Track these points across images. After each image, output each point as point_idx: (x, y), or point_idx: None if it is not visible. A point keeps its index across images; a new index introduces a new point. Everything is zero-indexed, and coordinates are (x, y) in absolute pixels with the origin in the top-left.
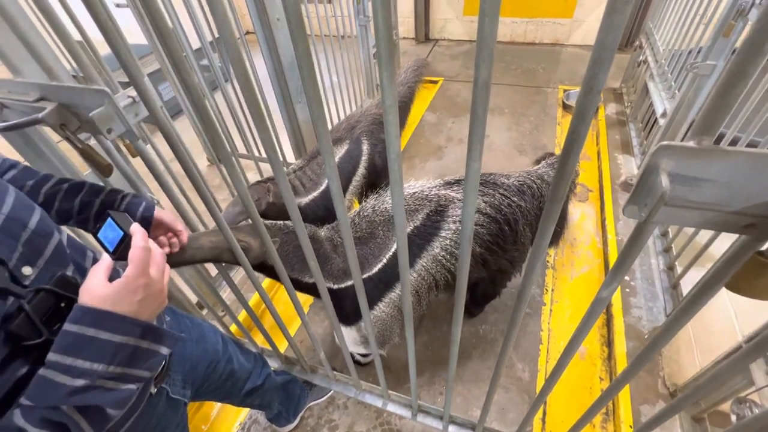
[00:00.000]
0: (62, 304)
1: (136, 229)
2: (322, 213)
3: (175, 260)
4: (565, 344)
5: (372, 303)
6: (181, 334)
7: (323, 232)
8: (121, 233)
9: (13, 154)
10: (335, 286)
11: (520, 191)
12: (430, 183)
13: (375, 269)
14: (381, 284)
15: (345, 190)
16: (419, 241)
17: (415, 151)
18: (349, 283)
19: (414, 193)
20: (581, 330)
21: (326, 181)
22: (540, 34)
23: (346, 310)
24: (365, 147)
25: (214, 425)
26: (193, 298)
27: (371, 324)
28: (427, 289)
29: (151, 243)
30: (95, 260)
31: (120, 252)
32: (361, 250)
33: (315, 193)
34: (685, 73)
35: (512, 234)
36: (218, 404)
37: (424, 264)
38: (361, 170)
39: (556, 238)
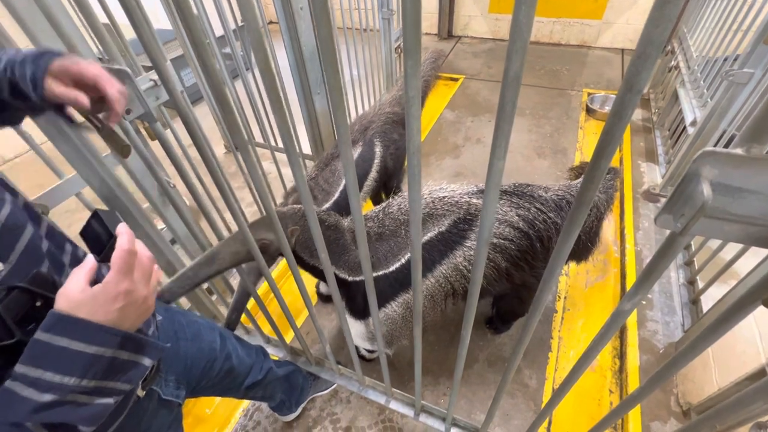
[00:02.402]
0: (38, 303)
1: (123, 230)
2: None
3: (201, 276)
4: (575, 353)
5: (385, 301)
6: (167, 344)
7: (347, 222)
8: (107, 233)
9: (35, 131)
10: (350, 278)
11: (557, 207)
12: (462, 189)
13: (392, 268)
14: (396, 283)
15: None
16: (441, 247)
17: (431, 149)
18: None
19: (444, 197)
20: (598, 342)
21: (338, 192)
22: (566, 34)
23: (358, 304)
24: (378, 149)
25: (218, 410)
26: (203, 284)
27: (379, 320)
28: (444, 296)
29: (139, 245)
30: (74, 255)
31: (105, 253)
32: (381, 246)
33: (327, 205)
34: (719, 81)
35: (543, 251)
36: None
37: (444, 271)
38: (373, 174)
39: (585, 254)
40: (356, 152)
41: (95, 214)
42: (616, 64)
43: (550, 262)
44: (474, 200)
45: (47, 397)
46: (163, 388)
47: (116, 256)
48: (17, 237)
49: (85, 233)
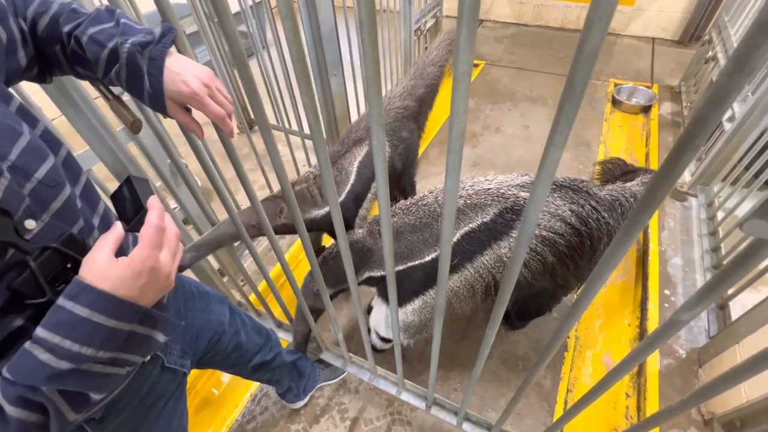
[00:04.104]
0: (68, 265)
1: (154, 204)
2: None
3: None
4: (592, 354)
5: (422, 289)
6: (181, 322)
7: (361, 230)
8: (137, 201)
9: (47, 103)
10: (379, 274)
11: (611, 207)
12: (510, 180)
13: (428, 258)
14: (433, 272)
15: (363, 197)
16: (484, 237)
17: (447, 137)
18: (400, 267)
19: (489, 189)
20: (642, 351)
21: (345, 193)
22: None
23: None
24: (386, 149)
25: (226, 392)
26: (215, 265)
27: (396, 312)
28: (485, 287)
29: (168, 220)
30: (105, 216)
31: (134, 224)
32: (414, 237)
33: None
34: (763, 74)
35: (590, 251)
36: None
37: (486, 261)
38: None
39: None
40: (363, 152)
41: (128, 180)
42: (645, 53)
43: (600, 263)
44: (523, 193)
45: (64, 365)
46: (168, 355)
47: (145, 232)
48: (54, 196)
49: (115, 197)
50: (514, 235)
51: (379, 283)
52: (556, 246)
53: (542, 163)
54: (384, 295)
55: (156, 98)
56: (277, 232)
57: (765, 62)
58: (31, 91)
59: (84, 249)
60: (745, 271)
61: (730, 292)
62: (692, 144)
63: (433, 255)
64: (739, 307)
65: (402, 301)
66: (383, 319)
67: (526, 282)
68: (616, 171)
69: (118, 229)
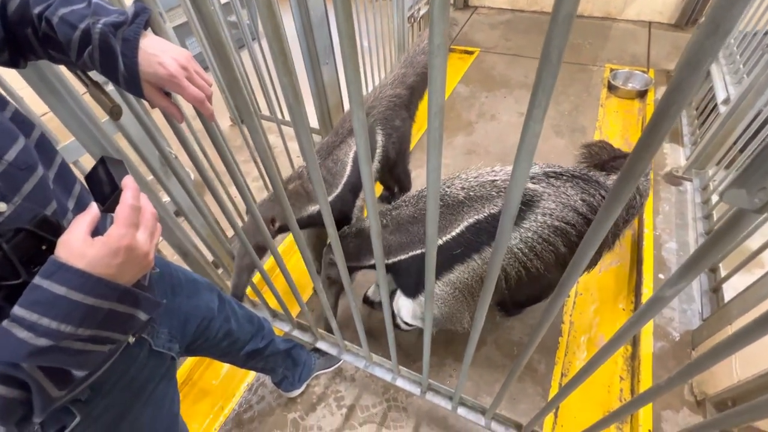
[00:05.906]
0: (43, 247)
1: (129, 184)
2: (336, 217)
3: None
4: (587, 339)
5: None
6: (162, 300)
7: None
8: (112, 182)
9: (28, 92)
10: (388, 261)
11: None
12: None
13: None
14: (440, 259)
15: (359, 188)
16: (492, 229)
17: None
18: (402, 257)
19: (494, 180)
20: (628, 330)
21: (341, 184)
22: (590, 5)
23: (404, 283)
24: (380, 138)
25: (224, 382)
26: (209, 257)
27: (388, 303)
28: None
29: (144, 200)
30: (81, 197)
31: (109, 204)
32: (416, 228)
33: (330, 198)
34: (758, 56)
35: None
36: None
37: None
38: (375, 164)
39: (615, 238)
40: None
41: (102, 161)
42: (641, 38)
43: (583, 241)
44: (530, 185)
45: (43, 342)
46: (155, 338)
47: (120, 211)
48: (25, 178)
49: (90, 178)
50: (526, 226)
51: (390, 271)
52: (567, 236)
53: (522, 137)
54: (400, 285)
55: (131, 81)
56: (274, 236)
57: (738, 18)
58: (17, 87)
59: (59, 231)
60: (727, 243)
61: (723, 274)
62: (669, 112)
63: (439, 242)
64: (731, 290)
65: (415, 291)
66: (405, 312)
67: (538, 273)
68: (603, 155)
69: (93, 209)
